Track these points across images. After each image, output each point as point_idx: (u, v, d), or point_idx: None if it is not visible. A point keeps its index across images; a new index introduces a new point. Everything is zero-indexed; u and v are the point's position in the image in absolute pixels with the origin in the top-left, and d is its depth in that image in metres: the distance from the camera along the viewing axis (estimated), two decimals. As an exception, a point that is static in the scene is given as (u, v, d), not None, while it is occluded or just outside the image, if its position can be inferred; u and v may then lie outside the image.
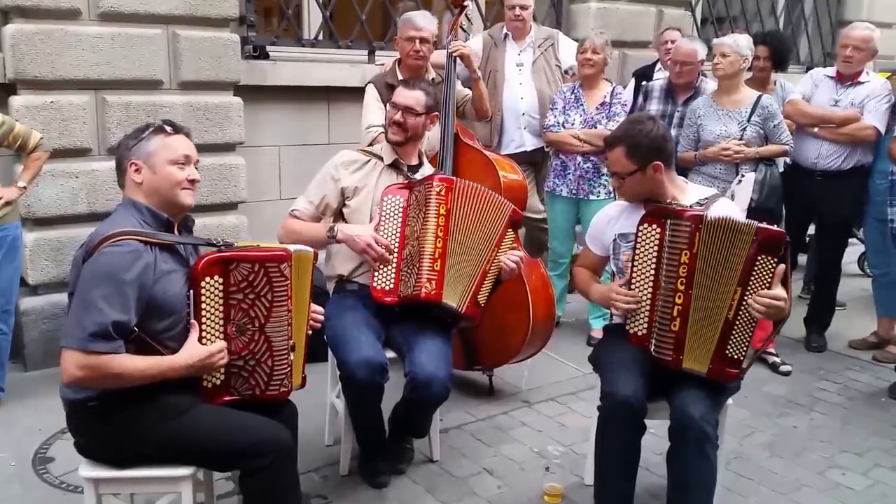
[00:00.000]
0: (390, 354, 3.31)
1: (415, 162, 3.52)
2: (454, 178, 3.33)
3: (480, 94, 4.40)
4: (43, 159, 3.88)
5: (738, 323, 2.74)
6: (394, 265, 3.24)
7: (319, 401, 3.64)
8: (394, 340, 3.32)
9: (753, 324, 2.73)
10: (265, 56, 5.02)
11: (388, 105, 3.46)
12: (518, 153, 5.11)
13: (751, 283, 2.70)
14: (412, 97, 3.39)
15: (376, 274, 3.25)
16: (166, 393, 2.35)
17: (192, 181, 2.52)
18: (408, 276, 3.23)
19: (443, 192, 3.24)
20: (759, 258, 2.68)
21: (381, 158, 3.46)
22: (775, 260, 2.68)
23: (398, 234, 3.26)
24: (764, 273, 2.69)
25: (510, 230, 3.34)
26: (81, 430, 2.42)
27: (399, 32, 4.26)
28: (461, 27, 4.26)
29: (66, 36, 4.21)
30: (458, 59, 4.19)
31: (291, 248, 2.56)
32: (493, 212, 3.32)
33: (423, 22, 4.19)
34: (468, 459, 3.60)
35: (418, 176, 3.45)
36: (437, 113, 3.54)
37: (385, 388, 3.14)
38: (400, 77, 4.24)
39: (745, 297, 2.71)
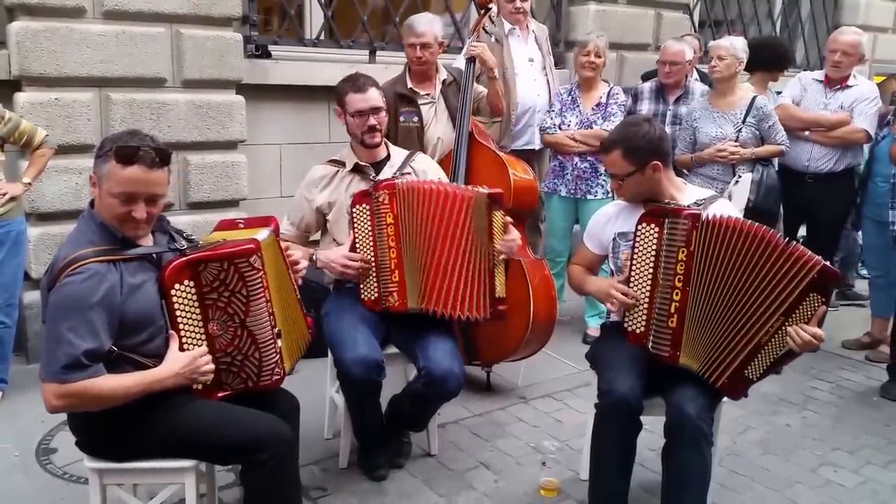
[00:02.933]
0: (391, 350, 3.37)
1: (382, 156, 3.49)
2: (395, 182, 3.27)
3: (496, 90, 4.39)
4: (48, 156, 3.91)
5: (766, 348, 2.74)
6: (374, 275, 3.29)
7: (319, 395, 3.69)
8: (399, 337, 3.37)
9: (780, 352, 2.74)
10: (267, 55, 5.06)
11: (353, 116, 3.34)
12: (526, 150, 5.15)
13: (794, 315, 2.69)
14: (375, 98, 3.33)
15: (362, 286, 3.30)
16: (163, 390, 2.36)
17: (138, 220, 2.33)
18: (382, 288, 3.29)
19: (386, 200, 3.23)
20: (811, 295, 2.66)
21: (344, 165, 3.45)
22: (823, 299, 2.68)
23: (371, 244, 3.27)
24: (808, 309, 2.68)
25: (496, 214, 3.18)
26: (82, 429, 2.44)
27: (402, 38, 4.27)
28: (484, 28, 4.27)
29: (71, 34, 4.25)
30: (475, 60, 4.20)
31: (259, 236, 2.50)
32: (453, 206, 3.19)
33: (424, 27, 4.15)
34: (465, 454, 3.64)
35: (386, 169, 3.44)
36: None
37: (390, 385, 3.20)
38: (410, 84, 4.26)
39: (784, 327, 2.69)
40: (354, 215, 3.27)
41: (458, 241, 3.21)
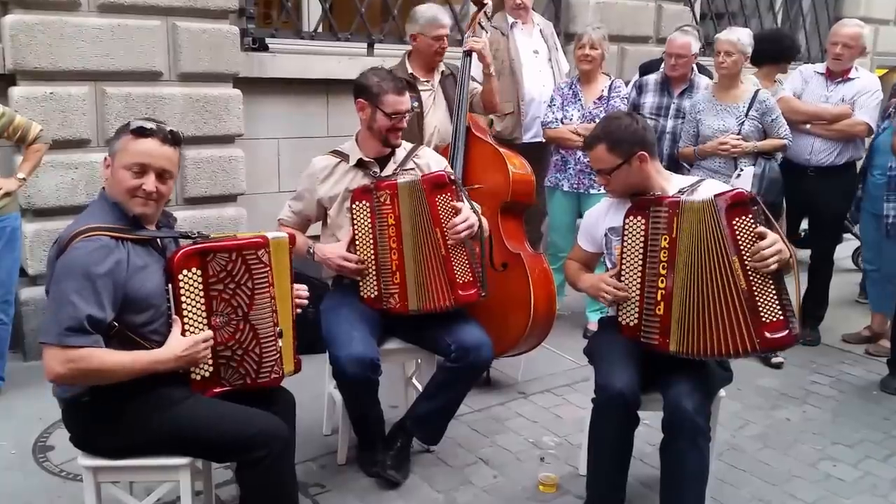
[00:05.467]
0: (390, 346, 3.36)
1: (388, 150, 3.46)
2: (397, 182, 3.26)
3: (492, 88, 4.41)
4: (42, 151, 3.88)
5: (755, 289, 2.68)
6: (374, 273, 3.27)
7: (318, 391, 3.67)
8: (409, 330, 3.36)
9: (770, 283, 2.68)
10: (264, 48, 5.03)
11: (387, 115, 3.30)
12: (535, 143, 5.15)
13: (742, 247, 2.68)
14: (407, 101, 3.35)
15: (361, 284, 3.29)
16: (160, 385, 2.36)
17: (148, 192, 2.39)
18: (382, 289, 3.27)
19: (388, 201, 3.23)
20: (734, 221, 2.68)
21: (347, 159, 3.42)
22: (750, 216, 2.68)
23: (372, 243, 3.26)
24: (747, 232, 2.68)
25: (438, 196, 3.20)
26: (77, 426, 2.44)
27: (423, 30, 4.22)
28: (480, 24, 4.28)
29: (66, 27, 4.22)
30: (473, 54, 4.20)
31: (269, 234, 2.55)
32: (420, 194, 3.22)
33: (447, 19, 4.26)
34: (464, 449, 3.63)
35: (390, 164, 3.42)
36: None
37: (389, 381, 3.20)
38: (410, 71, 4.29)
39: (746, 262, 2.68)
40: (354, 212, 3.26)
41: (432, 231, 3.22)
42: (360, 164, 3.39)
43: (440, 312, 3.24)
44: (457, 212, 3.21)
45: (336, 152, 3.48)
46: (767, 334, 2.68)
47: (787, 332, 2.68)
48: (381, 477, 3.32)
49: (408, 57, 4.37)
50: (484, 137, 4.21)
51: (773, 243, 2.65)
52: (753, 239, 2.67)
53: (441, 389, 3.30)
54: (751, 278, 2.69)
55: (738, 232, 2.69)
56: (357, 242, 3.27)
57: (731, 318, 2.72)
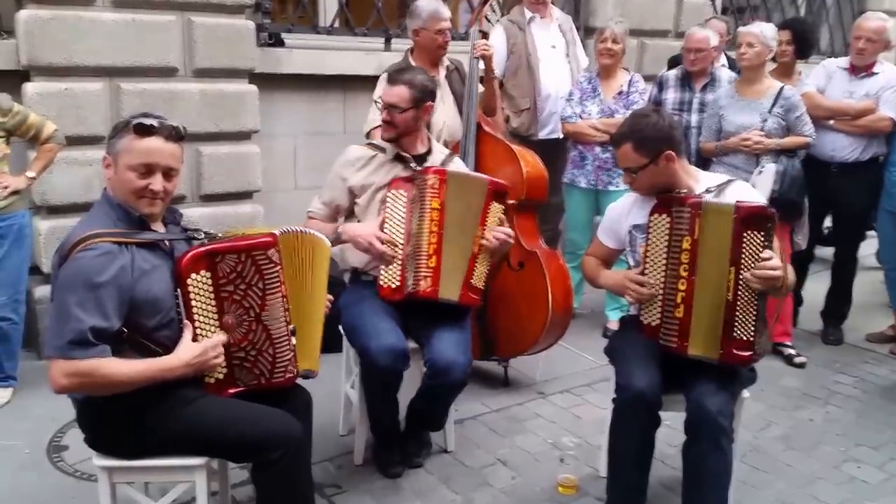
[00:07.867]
0: (413, 344, 3.32)
1: (421, 150, 3.45)
2: (447, 170, 3.28)
3: (493, 91, 4.40)
4: (55, 151, 3.85)
5: (739, 303, 2.70)
6: (399, 262, 3.24)
7: (334, 391, 3.64)
8: (413, 329, 3.32)
9: (755, 302, 2.69)
10: (280, 43, 5.00)
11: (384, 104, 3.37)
12: (550, 139, 5.11)
13: (742, 260, 2.67)
14: (395, 94, 3.30)
15: (382, 272, 3.26)
16: (174, 385, 2.33)
17: (155, 192, 2.35)
18: (409, 273, 3.24)
19: (436, 185, 3.22)
20: (745, 234, 2.66)
21: (384, 151, 3.42)
22: (762, 233, 2.66)
23: (403, 231, 3.24)
24: (753, 248, 2.66)
25: (494, 203, 3.28)
26: (91, 426, 2.41)
27: (425, 25, 4.16)
28: (485, 17, 4.24)
29: (81, 22, 4.20)
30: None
31: (277, 231, 2.50)
32: (475, 191, 3.27)
33: (447, 11, 4.21)
34: (482, 450, 3.60)
35: (429, 163, 3.40)
36: (430, 102, 3.41)
37: (406, 379, 3.16)
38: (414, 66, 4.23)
39: (740, 276, 2.67)
40: (389, 199, 3.25)
41: (473, 226, 3.25)
42: (399, 158, 3.38)
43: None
44: (502, 223, 3.31)
45: (372, 145, 3.49)
46: (733, 350, 2.72)
47: (749, 353, 2.72)
48: (410, 466, 3.38)
49: (410, 53, 4.31)
50: (495, 134, 4.18)
51: (774, 268, 2.65)
52: (756, 258, 2.66)
53: (423, 398, 3.27)
54: (739, 293, 2.69)
55: (744, 246, 2.67)
56: (386, 228, 3.24)
57: (709, 323, 2.74)
